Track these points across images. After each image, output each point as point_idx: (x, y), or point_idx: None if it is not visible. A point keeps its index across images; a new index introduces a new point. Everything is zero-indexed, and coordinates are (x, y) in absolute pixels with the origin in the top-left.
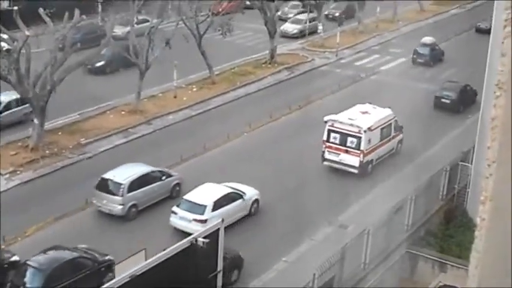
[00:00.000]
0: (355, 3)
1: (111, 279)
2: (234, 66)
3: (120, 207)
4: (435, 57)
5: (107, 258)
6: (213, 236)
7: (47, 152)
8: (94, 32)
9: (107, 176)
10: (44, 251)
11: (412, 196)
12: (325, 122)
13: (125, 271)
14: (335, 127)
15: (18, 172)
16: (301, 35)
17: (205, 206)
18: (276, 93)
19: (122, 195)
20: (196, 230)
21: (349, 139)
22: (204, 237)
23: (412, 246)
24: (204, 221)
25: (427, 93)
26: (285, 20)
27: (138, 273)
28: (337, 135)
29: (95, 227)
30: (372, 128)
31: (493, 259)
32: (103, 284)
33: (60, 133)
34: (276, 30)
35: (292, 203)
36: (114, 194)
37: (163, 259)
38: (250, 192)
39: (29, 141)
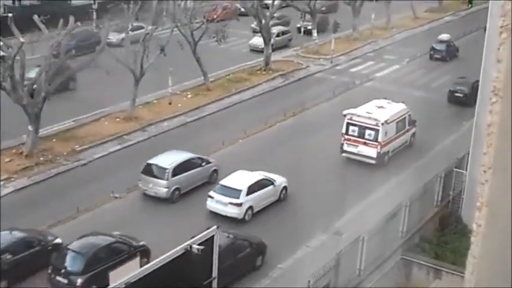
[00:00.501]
0: (328, 16)
1: (146, 264)
2: (229, 73)
3: (165, 190)
4: (451, 53)
5: (141, 243)
6: (207, 243)
7: (42, 158)
8: (89, 39)
9: (152, 161)
10: (82, 237)
11: (407, 203)
12: (344, 115)
13: (119, 278)
14: (353, 120)
15: (12, 179)
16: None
17: (240, 191)
18: (271, 100)
19: (167, 179)
20: (232, 212)
21: (367, 131)
22: (199, 244)
23: (407, 252)
24: (239, 205)
25: (424, 99)
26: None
27: (133, 280)
28: (356, 128)
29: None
30: (389, 121)
31: (489, 265)
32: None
33: (54, 140)
34: (270, 37)
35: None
36: (159, 178)
37: (158, 266)
38: (279, 180)
39: (24, 148)
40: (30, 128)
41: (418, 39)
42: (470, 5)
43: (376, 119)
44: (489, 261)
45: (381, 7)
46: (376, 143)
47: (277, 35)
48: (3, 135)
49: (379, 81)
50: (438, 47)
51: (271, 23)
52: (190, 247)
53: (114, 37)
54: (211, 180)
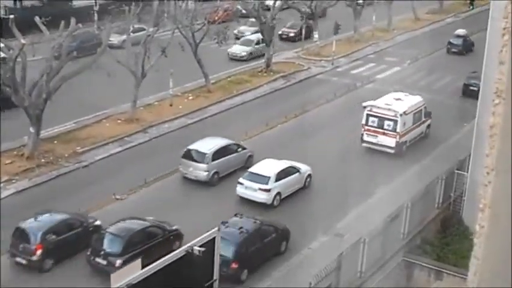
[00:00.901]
0: (312, 22)
1: (179, 248)
2: (230, 75)
3: (205, 173)
4: (467, 47)
5: (174, 228)
6: (209, 244)
7: (43, 160)
8: (90, 41)
9: (192, 146)
10: (119, 221)
11: (408, 204)
12: (364, 107)
13: (120, 280)
14: (373, 112)
15: (13, 181)
16: (250, 57)
17: (268, 177)
18: (272, 102)
19: (207, 163)
20: (261, 198)
21: (386, 122)
22: (200, 246)
23: (408, 254)
24: (268, 190)
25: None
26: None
27: (134, 282)
28: (375, 119)
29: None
30: (407, 113)
31: (492, 266)
32: (173, 251)
33: (56, 141)
34: (272, 38)
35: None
36: (199, 162)
37: (159, 268)
38: (304, 168)
39: (25, 149)
40: (31, 129)
41: (419, 41)
42: (471, 7)
43: (395, 110)
44: (492, 262)
45: (382, 9)
46: (395, 133)
47: (257, 43)
48: (4, 137)
49: (380, 83)
50: (455, 41)
51: (253, 29)
52: (192, 249)
53: (115, 39)
54: (246, 166)
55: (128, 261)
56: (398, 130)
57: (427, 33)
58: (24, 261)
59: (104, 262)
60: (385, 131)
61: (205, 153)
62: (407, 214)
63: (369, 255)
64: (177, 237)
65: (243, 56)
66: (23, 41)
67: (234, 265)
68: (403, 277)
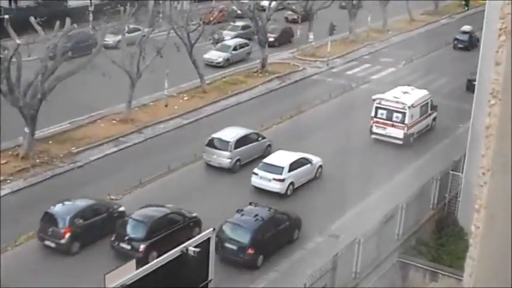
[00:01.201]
0: (291, 27)
1: (198, 234)
2: (225, 75)
3: (228, 161)
4: (473, 43)
5: (193, 215)
6: (204, 245)
7: (38, 160)
8: (85, 41)
9: (215, 135)
10: (141, 208)
11: (403, 205)
12: (373, 100)
13: (115, 281)
14: (382, 104)
15: (8, 181)
16: (227, 64)
17: (282, 168)
18: (268, 103)
19: (230, 151)
20: (275, 187)
21: (395, 114)
22: (195, 246)
23: (403, 255)
24: (282, 180)
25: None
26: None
27: (128, 283)
28: (384, 112)
29: None
30: (414, 105)
31: (488, 267)
32: (193, 236)
33: (51, 142)
34: (267, 39)
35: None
36: (222, 150)
37: (154, 268)
38: (315, 159)
39: (20, 150)
40: (26, 129)
41: (414, 42)
42: (466, 8)
43: (403, 103)
44: (487, 263)
45: (377, 10)
46: (403, 125)
47: (234, 49)
48: None
49: (376, 84)
50: (461, 37)
51: (233, 33)
52: (187, 249)
53: (110, 39)
54: (265, 154)
55: (151, 246)
56: (406, 122)
57: (422, 34)
58: (52, 245)
59: (128, 247)
60: (394, 123)
61: (228, 142)
62: (402, 215)
63: (364, 256)
64: (196, 223)
65: (219, 62)
66: (18, 41)
67: (250, 251)
68: (399, 278)
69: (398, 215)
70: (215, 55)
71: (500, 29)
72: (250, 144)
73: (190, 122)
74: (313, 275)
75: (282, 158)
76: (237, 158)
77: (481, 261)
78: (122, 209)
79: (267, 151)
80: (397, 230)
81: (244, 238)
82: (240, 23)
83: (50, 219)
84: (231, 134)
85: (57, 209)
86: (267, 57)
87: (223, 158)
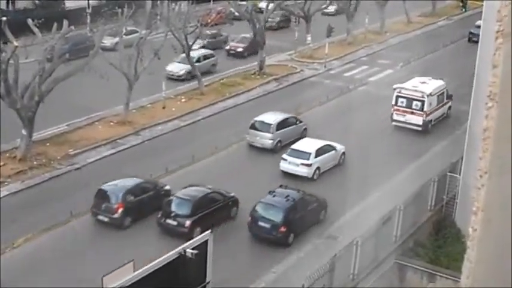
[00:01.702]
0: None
1: (236, 213)
2: (223, 77)
3: (271, 141)
4: None
5: (231, 195)
6: (201, 247)
7: (35, 163)
8: (83, 43)
9: (258, 118)
10: (184, 188)
11: (401, 207)
12: (394, 89)
13: (112, 283)
14: (402, 93)
15: (6, 183)
16: (189, 76)
17: (309, 153)
18: (265, 104)
19: (272, 133)
20: (303, 172)
21: (414, 102)
22: (193, 249)
23: (401, 256)
24: (309, 165)
25: None
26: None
27: (126, 285)
28: (404, 100)
29: None
30: (432, 94)
31: (485, 269)
32: (231, 215)
33: (48, 144)
34: (264, 41)
35: None
36: (265, 132)
37: (151, 270)
38: (339, 147)
39: (17, 152)
40: (23, 132)
41: (412, 44)
42: (464, 9)
43: (422, 91)
44: (485, 266)
45: (375, 11)
46: (422, 112)
47: (198, 60)
48: None
49: (373, 86)
50: (476, 31)
51: (201, 42)
52: (184, 251)
53: (108, 41)
54: (301, 137)
55: (195, 222)
56: (425, 109)
57: (420, 36)
58: (106, 219)
59: (175, 223)
60: (413, 111)
61: (270, 124)
62: (399, 217)
63: (362, 258)
64: (234, 203)
65: (181, 75)
66: (15, 43)
67: (282, 229)
68: (396, 279)
69: (395, 216)
70: (177, 67)
71: (498, 32)
72: (289, 127)
73: (188, 124)
74: (311, 276)
75: (308, 144)
76: (278, 139)
77: (479, 264)
78: (167, 187)
79: (303, 134)
80: (395, 232)
81: (277, 217)
82: (210, 31)
83: (103, 195)
84: (272, 117)
85: (109, 186)
86: (264, 59)
87: (266, 139)
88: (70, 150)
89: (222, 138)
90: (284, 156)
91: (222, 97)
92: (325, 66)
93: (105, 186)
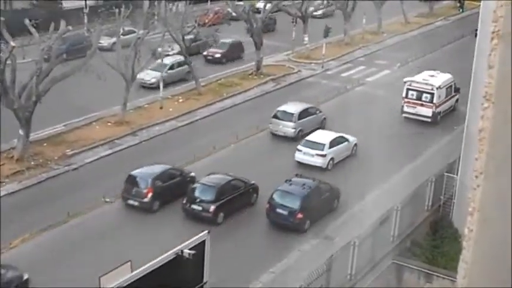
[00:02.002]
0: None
1: (256, 200)
2: (220, 78)
3: (293, 130)
4: None
5: (252, 182)
6: (198, 247)
7: (32, 163)
8: (80, 43)
9: (280, 108)
10: (208, 175)
11: (398, 207)
12: (405, 82)
13: (110, 283)
14: (412, 86)
15: (3, 183)
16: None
17: (324, 144)
18: (263, 105)
19: (294, 122)
20: (318, 162)
21: (424, 95)
22: (190, 249)
23: (398, 256)
24: (324, 155)
25: None
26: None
27: (124, 285)
28: (414, 92)
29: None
30: (441, 87)
31: (481, 270)
32: (251, 201)
33: (45, 144)
34: (262, 41)
35: None
36: (287, 121)
37: (149, 271)
38: (351, 138)
39: (14, 152)
40: (21, 132)
41: (409, 44)
42: (461, 10)
43: (431, 84)
44: (481, 266)
45: (372, 12)
46: (432, 104)
47: (171, 67)
48: None
49: (370, 86)
50: None
51: (178, 49)
52: (182, 252)
53: (105, 41)
54: (321, 126)
55: (219, 207)
56: (434, 101)
57: (417, 36)
58: (136, 203)
59: (199, 208)
60: (423, 103)
61: (292, 114)
62: (397, 217)
63: (359, 258)
64: (254, 190)
65: (153, 83)
66: (12, 44)
67: (299, 215)
68: (393, 280)
69: (393, 217)
70: (149, 75)
71: (493, 32)
72: (310, 117)
73: (185, 124)
74: (308, 276)
75: (322, 136)
76: (299, 128)
77: (474, 264)
78: (192, 174)
79: (323, 123)
80: (392, 232)
81: (294, 204)
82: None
83: (133, 181)
84: (294, 107)
85: (139, 172)
86: (262, 59)
87: (288, 128)
88: (67, 150)
89: (220, 139)
90: (299, 147)
91: (220, 97)
92: (322, 67)
93: (134, 172)
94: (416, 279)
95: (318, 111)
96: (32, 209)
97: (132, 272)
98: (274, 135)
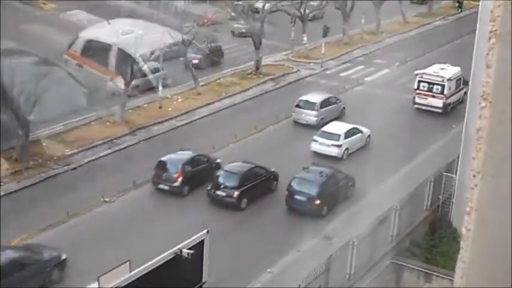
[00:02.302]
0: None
1: (276, 187)
2: (220, 77)
3: (315, 119)
4: None
5: (273, 170)
6: (197, 247)
7: (31, 163)
8: None
9: (303, 98)
10: (230, 163)
11: (397, 206)
12: (416, 74)
13: (108, 283)
14: (423, 78)
15: (2, 183)
16: (137, 92)
17: (339, 135)
18: (262, 104)
19: (317, 110)
20: (333, 152)
21: (435, 86)
22: (189, 249)
23: (397, 256)
24: (339, 146)
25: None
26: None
27: (122, 285)
28: (425, 84)
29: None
30: (451, 79)
31: (479, 269)
32: (272, 188)
33: (44, 144)
34: (261, 41)
35: None
36: (310, 110)
37: (147, 271)
38: (365, 130)
39: (13, 152)
40: (20, 132)
41: (408, 44)
42: (460, 10)
43: (442, 76)
44: (478, 266)
45: (371, 12)
46: (442, 95)
47: (145, 75)
48: None
49: (369, 86)
50: None
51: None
52: (181, 251)
53: None
54: (341, 116)
55: (242, 193)
56: (445, 93)
57: (415, 36)
58: (166, 187)
59: (224, 194)
60: (434, 94)
61: (315, 103)
62: (395, 216)
63: (358, 258)
64: (275, 177)
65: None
66: (11, 44)
67: (317, 201)
68: (392, 279)
69: (392, 216)
70: (121, 82)
71: (491, 32)
72: (331, 106)
73: (184, 124)
74: (307, 276)
75: (337, 127)
76: (321, 116)
77: (472, 264)
78: (218, 161)
79: (343, 112)
80: (391, 232)
81: (312, 190)
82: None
83: (163, 166)
84: (316, 96)
85: (169, 157)
86: (261, 59)
87: (311, 117)
88: (66, 150)
89: (219, 138)
90: (315, 137)
91: (219, 97)
92: (321, 66)
93: (164, 158)
94: (416, 279)
95: (338, 101)
96: (30, 210)
97: (130, 271)
98: (297, 123)
